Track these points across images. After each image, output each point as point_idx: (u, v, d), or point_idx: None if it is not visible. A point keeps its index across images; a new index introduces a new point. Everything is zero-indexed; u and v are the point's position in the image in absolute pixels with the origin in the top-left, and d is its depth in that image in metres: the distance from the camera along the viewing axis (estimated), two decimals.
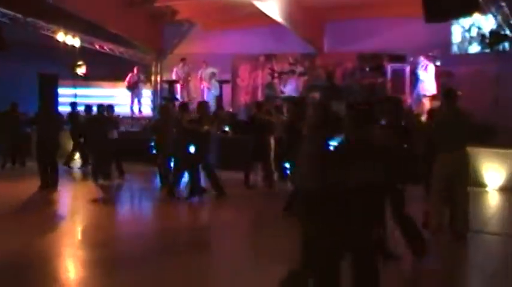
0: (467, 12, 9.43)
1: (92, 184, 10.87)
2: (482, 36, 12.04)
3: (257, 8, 14.50)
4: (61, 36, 14.87)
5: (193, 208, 9.19)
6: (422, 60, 12.93)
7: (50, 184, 10.03)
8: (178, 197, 9.38)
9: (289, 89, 14.73)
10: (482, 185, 10.34)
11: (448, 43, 15.26)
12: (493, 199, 9.97)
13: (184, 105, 10.20)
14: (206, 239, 7.21)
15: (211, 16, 17.27)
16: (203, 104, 9.70)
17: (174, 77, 16.09)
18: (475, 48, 14.74)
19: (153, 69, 18.25)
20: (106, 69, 16.89)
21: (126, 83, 15.20)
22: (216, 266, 5.92)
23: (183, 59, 16.42)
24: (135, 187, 11.52)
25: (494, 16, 12.14)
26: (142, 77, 15.39)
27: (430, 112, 8.58)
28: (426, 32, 15.03)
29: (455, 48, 15.27)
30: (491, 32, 11.74)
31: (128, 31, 16.67)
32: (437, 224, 6.48)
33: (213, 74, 14.87)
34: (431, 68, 12.83)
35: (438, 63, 14.20)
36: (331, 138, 4.37)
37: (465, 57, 14.89)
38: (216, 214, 8.93)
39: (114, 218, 8.51)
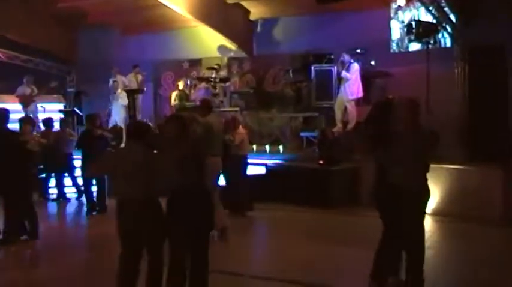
0: None
1: None
2: (408, 27, 10.12)
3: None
4: None
5: None
6: (344, 59, 11.03)
7: None
8: None
9: (197, 96, 12.81)
10: None
11: (387, 41, 13.52)
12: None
13: None
14: None
15: (126, 18, 15.39)
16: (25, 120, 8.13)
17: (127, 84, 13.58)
18: (417, 45, 12.97)
19: (67, 79, 16.29)
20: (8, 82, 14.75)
21: (16, 97, 13.05)
22: None
23: (135, 66, 14.12)
24: None
25: (428, 9, 10.42)
26: (34, 89, 13.18)
27: None
28: (364, 29, 13.44)
29: (394, 46, 13.47)
30: (418, 22, 9.84)
31: (31, 38, 14.67)
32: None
33: (114, 83, 12.83)
34: (355, 67, 10.91)
35: (373, 63, 12.61)
36: None
37: (405, 56, 13.12)
38: None
39: None
